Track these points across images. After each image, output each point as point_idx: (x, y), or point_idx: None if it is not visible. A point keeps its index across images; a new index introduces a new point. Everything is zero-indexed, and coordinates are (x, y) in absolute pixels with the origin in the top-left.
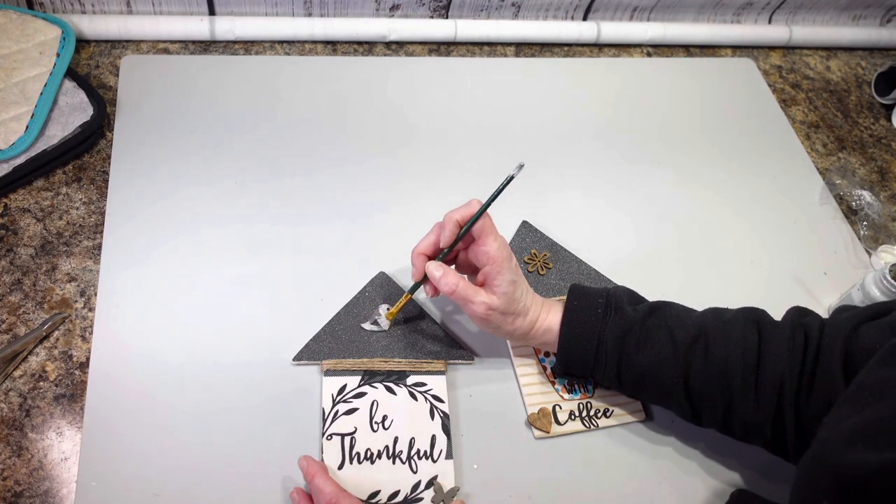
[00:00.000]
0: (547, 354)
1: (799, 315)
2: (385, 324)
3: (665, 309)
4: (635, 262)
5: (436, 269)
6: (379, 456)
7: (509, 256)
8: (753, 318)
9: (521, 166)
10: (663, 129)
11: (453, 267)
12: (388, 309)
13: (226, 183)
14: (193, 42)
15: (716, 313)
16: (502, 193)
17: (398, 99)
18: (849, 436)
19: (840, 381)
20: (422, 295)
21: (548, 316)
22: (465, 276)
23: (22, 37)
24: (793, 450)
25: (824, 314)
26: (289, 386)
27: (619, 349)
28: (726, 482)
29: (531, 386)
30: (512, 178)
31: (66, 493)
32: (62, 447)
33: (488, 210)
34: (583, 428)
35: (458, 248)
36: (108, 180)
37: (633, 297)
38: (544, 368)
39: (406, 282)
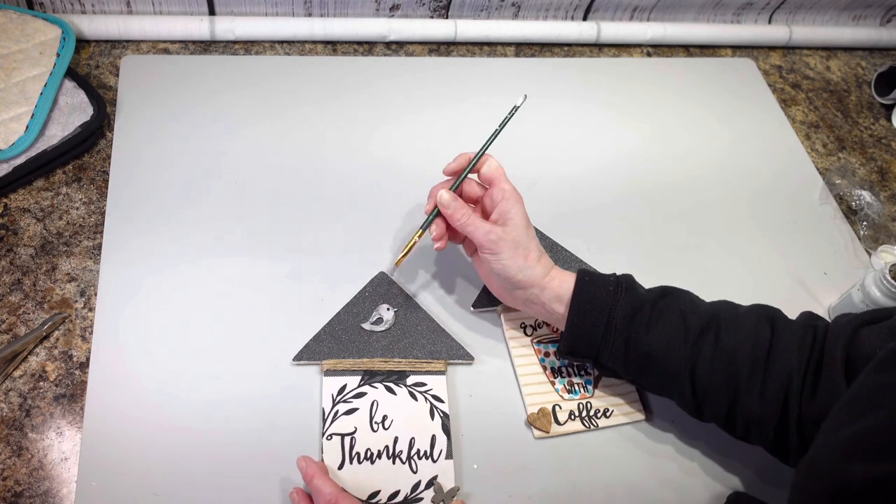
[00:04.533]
0: (547, 355)
1: (811, 318)
2: (382, 321)
3: (678, 293)
4: (635, 262)
5: (451, 200)
6: (379, 456)
7: (521, 199)
8: (768, 314)
9: (525, 98)
10: (663, 128)
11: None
12: (388, 308)
13: (225, 183)
14: (193, 42)
15: (729, 305)
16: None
17: (398, 99)
18: (845, 445)
19: (842, 385)
20: (423, 295)
21: (561, 272)
22: None
23: (22, 37)
24: (794, 451)
25: (824, 314)
26: (289, 386)
27: (628, 326)
28: (725, 483)
29: (531, 386)
30: (517, 108)
31: (66, 493)
32: (62, 447)
33: (498, 159)
34: (582, 428)
35: (472, 196)
36: (108, 180)
37: (638, 283)
38: (544, 368)
39: (406, 282)
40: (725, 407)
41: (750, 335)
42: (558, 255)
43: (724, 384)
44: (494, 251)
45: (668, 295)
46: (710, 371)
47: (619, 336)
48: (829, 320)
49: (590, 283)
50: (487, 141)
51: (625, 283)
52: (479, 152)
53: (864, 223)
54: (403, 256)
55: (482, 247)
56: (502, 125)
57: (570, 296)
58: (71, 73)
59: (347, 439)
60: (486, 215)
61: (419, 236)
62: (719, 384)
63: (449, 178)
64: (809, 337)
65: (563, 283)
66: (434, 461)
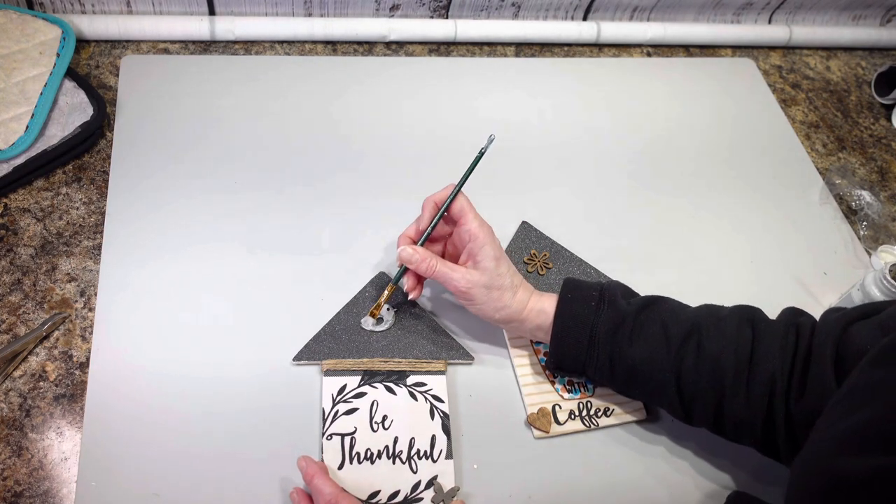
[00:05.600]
0: (546, 355)
1: (793, 315)
2: (382, 320)
3: (660, 303)
4: (635, 262)
5: (413, 253)
6: (379, 456)
7: (491, 234)
8: (748, 316)
9: (491, 139)
10: (663, 129)
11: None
12: (388, 308)
13: (226, 183)
14: (193, 42)
15: (710, 310)
16: (500, 185)
17: (398, 99)
18: (841, 439)
19: (832, 382)
20: (422, 296)
21: (541, 298)
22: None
23: (22, 37)
24: (784, 450)
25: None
26: (289, 386)
27: (611, 341)
28: (727, 482)
29: (531, 386)
30: (483, 152)
31: (66, 493)
32: (62, 447)
33: (467, 193)
34: (583, 427)
35: (441, 233)
36: (108, 180)
37: (626, 292)
38: (544, 368)
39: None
40: (713, 412)
41: (732, 340)
42: (559, 255)
43: (709, 390)
44: (467, 298)
45: (649, 306)
46: (695, 379)
47: (603, 351)
48: (817, 316)
49: (572, 301)
50: (457, 186)
51: (607, 296)
52: (449, 198)
53: (864, 223)
54: (377, 308)
55: (455, 295)
56: (470, 169)
57: (551, 320)
58: (71, 73)
59: (347, 439)
60: (455, 252)
61: (390, 290)
62: (705, 391)
63: (415, 221)
64: (792, 336)
65: (541, 314)
66: (434, 461)
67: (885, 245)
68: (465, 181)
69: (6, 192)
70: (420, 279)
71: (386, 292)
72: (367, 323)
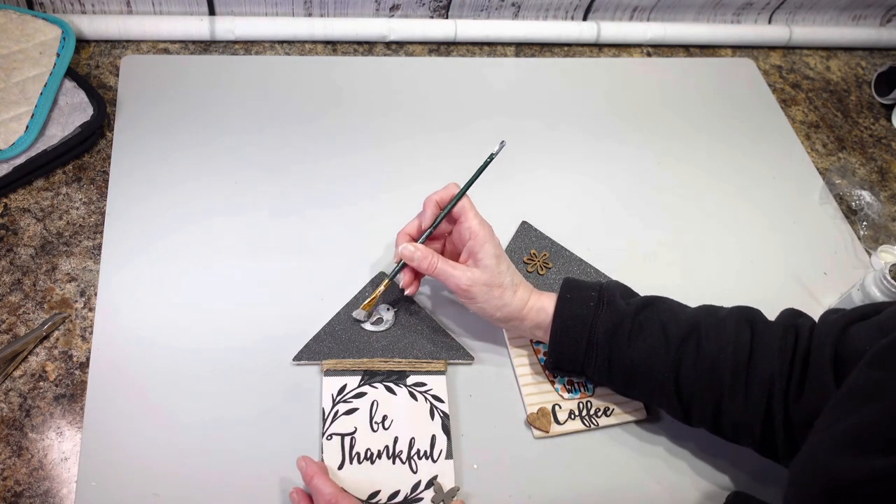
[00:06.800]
0: (546, 354)
1: (792, 317)
2: (382, 320)
3: (658, 303)
4: (635, 262)
5: (414, 251)
6: (379, 456)
7: (491, 232)
8: (747, 316)
9: (502, 145)
10: (663, 129)
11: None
12: (388, 308)
13: (226, 183)
14: (193, 42)
15: (709, 310)
16: (500, 185)
17: (398, 99)
18: (839, 441)
19: (830, 383)
20: (422, 295)
21: (540, 297)
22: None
23: (22, 37)
24: (782, 451)
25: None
26: (289, 386)
27: (609, 341)
28: (727, 483)
29: (531, 386)
30: (493, 156)
31: (66, 493)
32: (62, 447)
33: (467, 192)
34: (583, 427)
35: (441, 232)
36: (108, 180)
37: (625, 292)
38: (544, 368)
39: None
40: (711, 413)
41: (730, 340)
42: (559, 255)
43: (708, 391)
44: (468, 296)
45: (648, 306)
46: (693, 379)
47: (602, 351)
48: (816, 317)
49: (570, 301)
50: (464, 188)
51: (606, 297)
52: (455, 198)
53: (864, 223)
54: (370, 303)
55: (455, 293)
56: (478, 172)
57: (551, 318)
58: (71, 73)
59: (347, 439)
60: (454, 250)
61: (386, 286)
62: (703, 391)
63: (415, 219)
64: (791, 337)
65: (541, 312)
66: (434, 461)
67: (885, 245)
68: (471, 184)
69: (6, 192)
70: (417, 275)
71: (381, 287)
72: (360, 315)
